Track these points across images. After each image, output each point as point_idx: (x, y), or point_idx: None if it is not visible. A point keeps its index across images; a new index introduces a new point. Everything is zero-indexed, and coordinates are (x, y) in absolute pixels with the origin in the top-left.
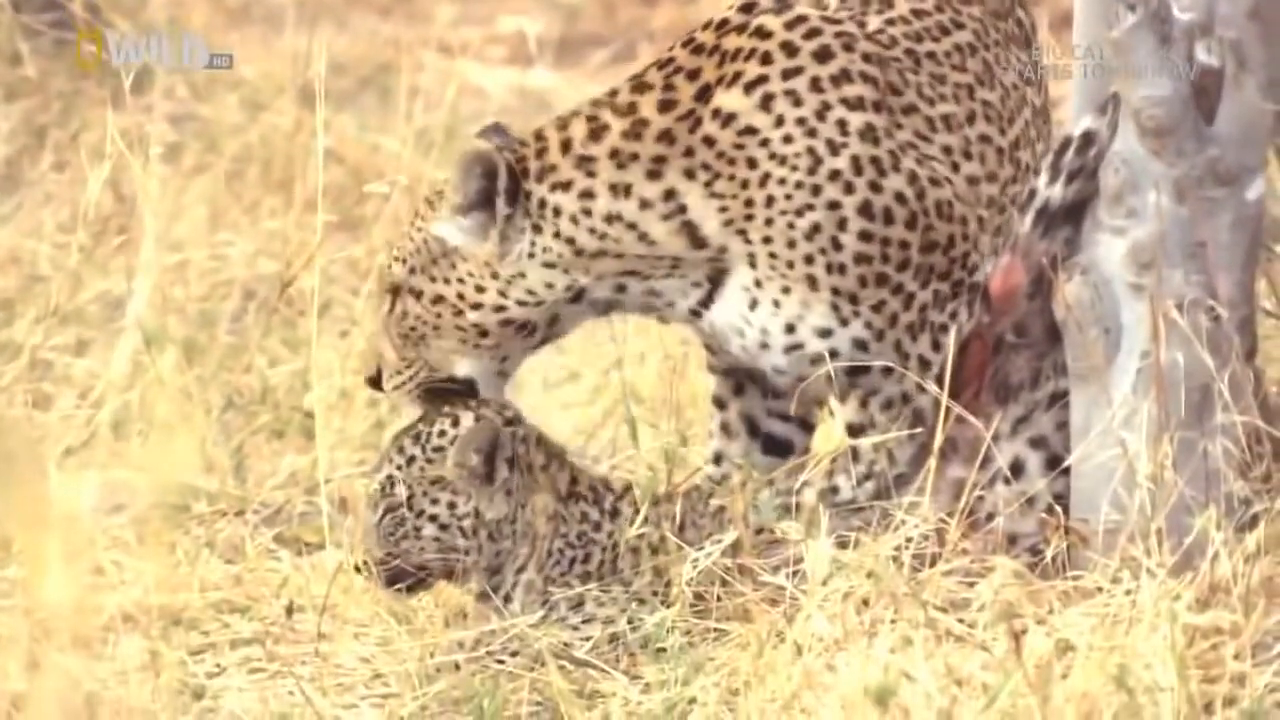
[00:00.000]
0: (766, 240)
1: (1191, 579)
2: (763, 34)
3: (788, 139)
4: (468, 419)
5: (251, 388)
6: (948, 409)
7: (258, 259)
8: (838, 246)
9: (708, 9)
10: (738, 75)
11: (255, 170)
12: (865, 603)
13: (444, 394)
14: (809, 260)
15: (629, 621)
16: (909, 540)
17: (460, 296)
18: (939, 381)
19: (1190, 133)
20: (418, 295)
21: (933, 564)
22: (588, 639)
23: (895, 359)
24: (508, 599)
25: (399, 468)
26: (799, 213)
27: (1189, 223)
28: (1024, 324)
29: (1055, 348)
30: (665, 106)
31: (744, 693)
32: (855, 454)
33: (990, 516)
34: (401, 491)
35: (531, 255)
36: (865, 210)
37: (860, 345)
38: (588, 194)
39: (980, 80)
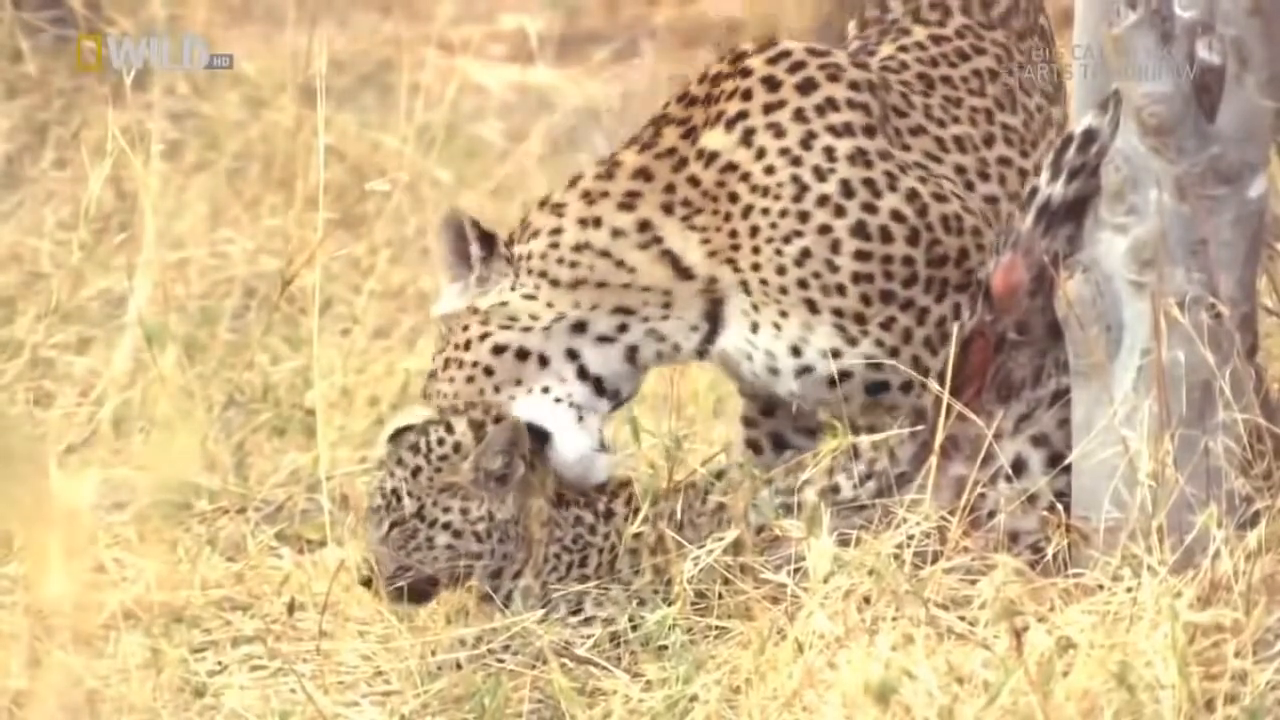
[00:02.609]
0: (755, 267)
1: (1193, 576)
2: (746, 72)
3: (770, 170)
4: (461, 424)
5: (253, 385)
6: (949, 407)
7: (259, 256)
8: (833, 269)
9: (710, 6)
10: (720, 114)
11: (256, 168)
12: (867, 600)
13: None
14: (803, 284)
15: (630, 620)
16: (910, 538)
17: (456, 347)
18: (941, 379)
19: (1191, 130)
20: (487, 371)
21: (934, 562)
22: (589, 637)
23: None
24: (507, 602)
25: (403, 480)
26: (786, 239)
27: (1190, 220)
28: (1026, 322)
29: (1057, 345)
30: (645, 147)
31: (745, 690)
32: (856, 452)
33: (992, 514)
34: (409, 504)
35: (512, 289)
36: (860, 231)
37: (872, 365)
38: (555, 231)
39: (1001, 105)
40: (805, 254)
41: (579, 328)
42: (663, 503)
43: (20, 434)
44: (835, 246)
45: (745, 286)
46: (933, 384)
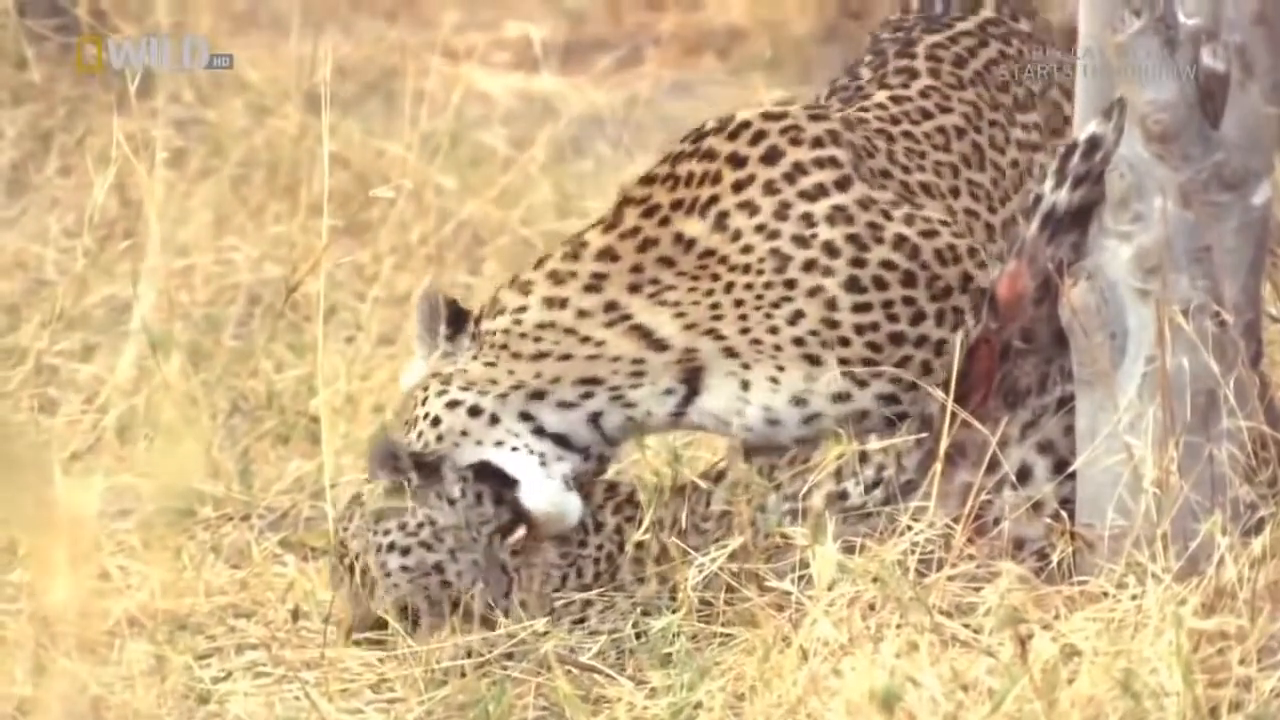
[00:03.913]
0: (744, 332)
1: (1197, 584)
2: (709, 155)
3: (747, 249)
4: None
5: (257, 392)
6: (955, 414)
7: (263, 264)
8: (833, 325)
9: (714, 13)
10: (695, 201)
11: (261, 175)
12: (871, 607)
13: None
14: (799, 342)
15: (634, 627)
16: (915, 545)
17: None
18: (945, 387)
19: (1196, 137)
20: (434, 421)
21: (939, 569)
22: (593, 644)
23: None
24: (507, 615)
25: (344, 530)
26: (775, 305)
27: (1194, 227)
28: (1031, 329)
29: (1062, 353)
30: (609, 228)
31: (750, 698)
32: (863, 458)
33: (997, 521)
34: (355, 545)
35: (475, 358)
36: (853, 285)
37: (889, 399)
38: (520, 309)
39: (968, 161)
40: (799, 315)
41: (537, 395)
42: (665, 509)
43: (25, 441)
44: (831, 304)
45: (731, 351)
46: (937, 391)
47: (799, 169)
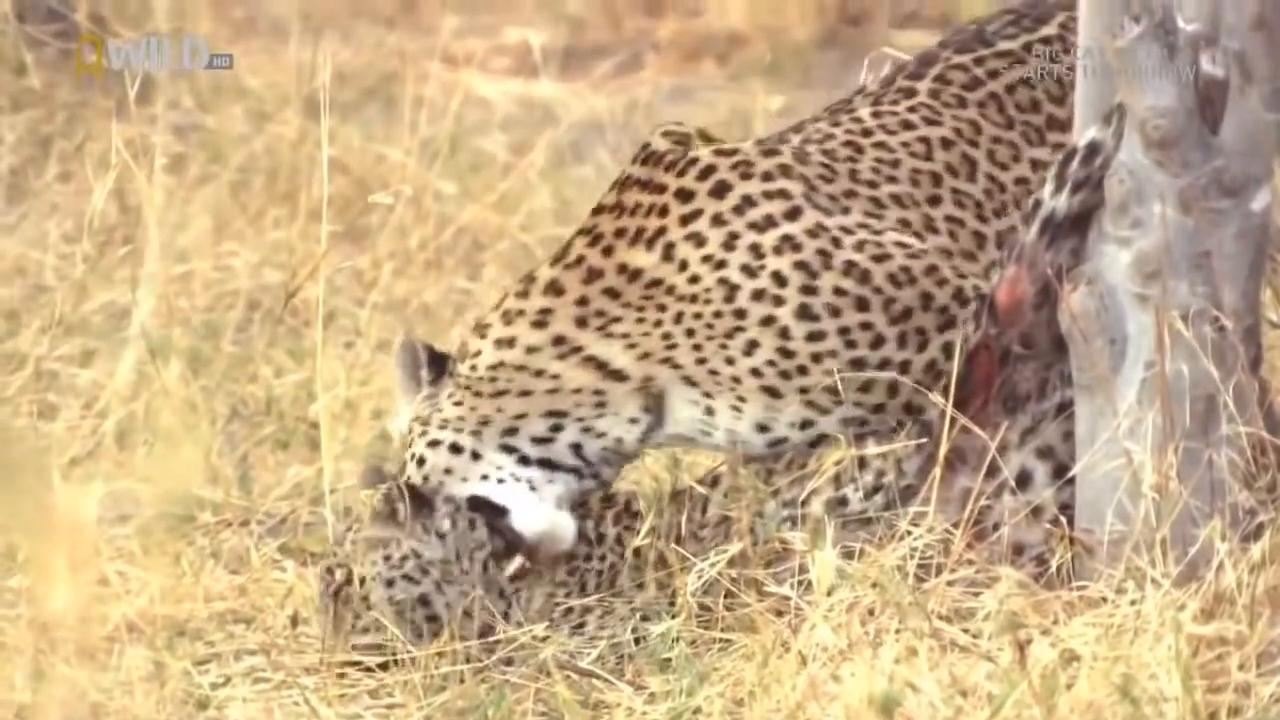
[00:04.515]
0: (700, 362)
1: (1196, 589)
2: (659, 189)
3: (694, 279)
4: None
5: (256, 398)
6: (954, 420)
7: (262, 269)
8: (788, 354)
9: (713, 19)
10: (640, 231)
11: (260, 181)
12: (870, 613)
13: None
14: (756, 373)
15: (633, 633)
16: (914, 550)
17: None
18: (945, 392)
19: (1195, 143)
20: (419, 462)
21: (938, 574)
22: (592, 649)
23: (906, 417)
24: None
25: (334, 555)
26: (729, 335)
27: (1194, 233)
28: (1030, 335)
29: (1062, 358)
30: (556, 260)
31: (749, 703)
32: (863, 463)
33: (996, 526)
34: (340, 575)
35: (448, 397)
36: (804, 313)
37: (855, 422)
38: (477, 353)
39: (954, 171)
40: (753, 345)
41: (511, 431)
42: (663, 516)
43: (24, 447)
44: (785, 333)
45: (690, 380)
46: (938, 397)
47: (748, 202)
